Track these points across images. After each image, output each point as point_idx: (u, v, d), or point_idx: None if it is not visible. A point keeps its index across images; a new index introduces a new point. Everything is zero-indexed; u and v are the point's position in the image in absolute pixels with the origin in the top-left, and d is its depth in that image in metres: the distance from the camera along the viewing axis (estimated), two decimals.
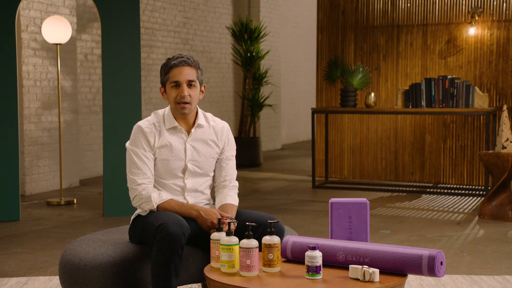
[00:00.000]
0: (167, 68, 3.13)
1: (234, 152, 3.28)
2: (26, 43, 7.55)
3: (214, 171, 3.26)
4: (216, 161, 3.25)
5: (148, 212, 3.06)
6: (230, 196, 3.20)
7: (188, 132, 3.17)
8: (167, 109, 3.20)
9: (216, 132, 3.22)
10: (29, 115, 7.61)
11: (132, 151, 3.11)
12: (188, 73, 3.11)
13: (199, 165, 3.17)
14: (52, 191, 7.82)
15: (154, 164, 3.13)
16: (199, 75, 3.15)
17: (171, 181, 3.14)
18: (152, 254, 2.84)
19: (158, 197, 3.05)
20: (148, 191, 3.06)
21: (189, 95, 3.10)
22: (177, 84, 3.10)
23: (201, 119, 3.19)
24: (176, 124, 3.14)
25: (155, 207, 3.04)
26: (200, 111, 3.22)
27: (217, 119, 3.27)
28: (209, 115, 3.26)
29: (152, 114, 3.21)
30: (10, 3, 6.11)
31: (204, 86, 3.22)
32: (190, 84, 3.11)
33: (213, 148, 3.21)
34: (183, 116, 3.15)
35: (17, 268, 4.49)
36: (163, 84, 3.17)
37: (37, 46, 7.70)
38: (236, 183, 3.29)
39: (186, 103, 3.10)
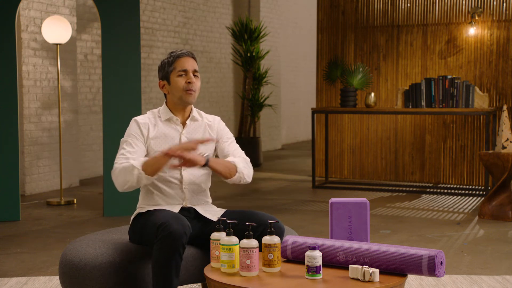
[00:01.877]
0: (172, 58, 3.20)
1: (231, 135, 3.31)
2: (26, 43, 7.56)
3: (218, 155, 3.28)
4: (216, 149, 3.28)
5: (138, 180, 2.99)
6: (234, 159, 3.18)
7: (183, 124, 3.22)
8: (163, 105, 3.26)
9: (210, 126, 3.28)
10: (29, 115, 7.61)
11: (123, 141, 3.15)
12: (194, 64, 3.22)
13: None
14: (52, 191, 7.82)
15: (148, 157, 3.14)
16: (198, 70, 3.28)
17: (168, 174, 3.14)
18: (153, 253, 2.83)
19: (137, 162, 3.00)
20: (124, 163, 3.02)
21: (195, 83, 3.20)
22: (185, 73, 3.18)
23: (195, 113, 3.26)
24: (172, 115, 3.20)
25: (140, 168, 2.97)
26: (194, 107, 3.28)
27: (209, 116, 3.34)
28: (202, 112, 3.33)
29: (147, 112, 3.27)
30: (10, 3, 6.11)
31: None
32: (195, 74, 3.22)
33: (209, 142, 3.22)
34: (185, 106, 3.20)
35: (17, 268, 4.49)
36: (166, 76, 3.21)
37: (37, 46, 7.70)
38: (247, 158, 3.26)
39: (193, 90, 3.17)
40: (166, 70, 3.21)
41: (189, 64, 3.19)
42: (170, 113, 3.21)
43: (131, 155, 3.08)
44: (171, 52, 3.25)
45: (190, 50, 3.32)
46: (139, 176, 3.00)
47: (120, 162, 3.06)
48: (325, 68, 8.36)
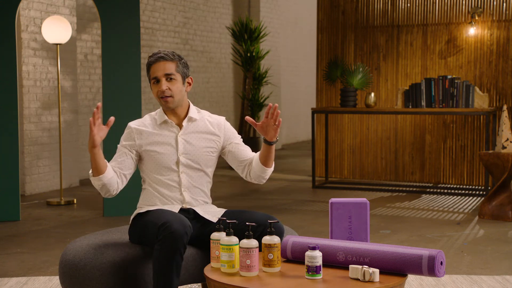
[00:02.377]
0: (147, 66, 3.18)
1: (240, 140, 3.27)
2: (26, 43, 7.55)
3: (230, 161, 3.24)
4: (225, 153, 3.24)
5: (93, 183, 3.13)
6: None
7: (180, 126, 3.19)
8: (160, 108, 3.24)
9: (213, 125, 3.23)
10: (29, 115, 7.61)
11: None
12: (165, 67, 3.11)
13: (192, 158, 3.16)
14: (52, 191, 7.82)
15: (146, 161, 3.16)
16: (179, 68, 3.14)
17: (167, 177, 3.14)
18: (154, 253, 2.83)
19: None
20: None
21: (169, 88, 3.11)
22: (157, 80, 3.14)
23: (192, 113, 3.20)
24: (166, 118, 3.17)
25: (89, 172, 3.13)
26: (192, 106, 3.23)
27: (214, 115, 3.29)
28: (205, 112, 3.28)
29: (146, 115, 3.26)
30: (10, 3, 6.11)
31: (191, 78, 3.23)
32: (169, 78, 3.12)
33: (209, 141, 3.20)
34: (170, 110, 3.17)
35: (17, 268, 4.49)
36: (149, 82, 3.22)
37: (37, 46, 7.70)
38: None
39: (168, 96, 3.12)
40: (148, 77, 3.20)
41: (160, 70, 3.10)
42: (165, 116, 3.18)
43: (112, 163, 3.18)
44: (149, 57, 3.17)
45: (167, 50, 3.16)
46: (92, 180, 3.10)
47: None
48: (325, 68, 8.36)
